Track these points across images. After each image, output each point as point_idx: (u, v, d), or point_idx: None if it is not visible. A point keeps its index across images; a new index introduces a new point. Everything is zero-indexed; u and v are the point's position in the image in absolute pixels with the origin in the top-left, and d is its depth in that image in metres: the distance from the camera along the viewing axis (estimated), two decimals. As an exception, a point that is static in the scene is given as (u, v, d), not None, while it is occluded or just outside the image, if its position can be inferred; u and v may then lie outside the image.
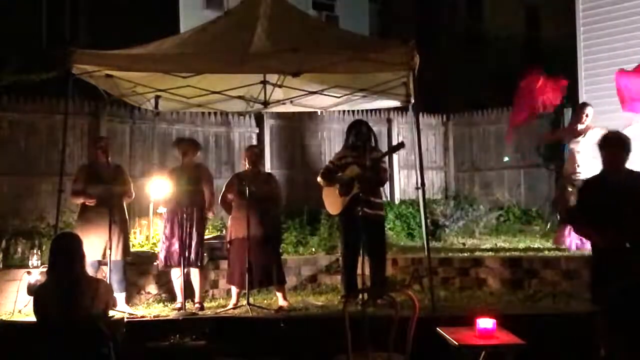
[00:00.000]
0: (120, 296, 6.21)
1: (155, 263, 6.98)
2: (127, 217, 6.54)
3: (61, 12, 14.62)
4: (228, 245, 6.49)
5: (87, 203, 6.22)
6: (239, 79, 6.81)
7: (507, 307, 5.96)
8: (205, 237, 6.80)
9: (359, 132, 6.41)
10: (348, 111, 9.54)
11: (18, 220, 7.89)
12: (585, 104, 7.57)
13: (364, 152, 6.24)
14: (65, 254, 4.12)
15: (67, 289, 4.02)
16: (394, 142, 10.82)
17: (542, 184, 10.52)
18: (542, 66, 8.44)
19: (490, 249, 7.97)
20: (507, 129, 9.34)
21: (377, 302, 5.28)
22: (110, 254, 6.05)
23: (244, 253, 6.20)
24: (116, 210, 6.19)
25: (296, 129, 10.65)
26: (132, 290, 6.76)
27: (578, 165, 7.17)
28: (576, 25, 9.68)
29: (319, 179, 6.54)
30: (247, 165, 6.60)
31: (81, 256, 4.19)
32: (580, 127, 7.30)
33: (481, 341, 3.85)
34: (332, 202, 6.43)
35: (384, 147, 10.04)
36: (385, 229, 7.22)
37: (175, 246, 6.32)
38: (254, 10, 6.48)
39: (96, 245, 6.05)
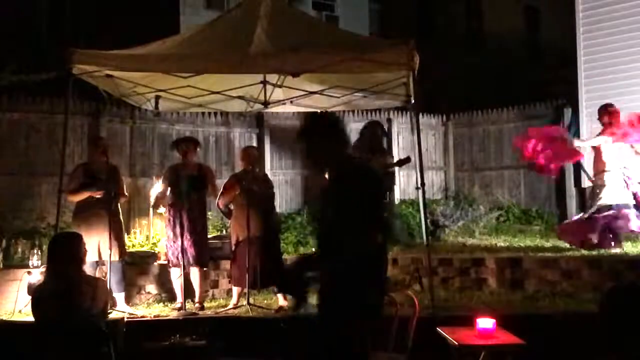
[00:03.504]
0: (119, 296, 6.21)
1: (155, 263, 6.99)
2: (122, 217, 6.53)
3: (62, 12, 14.63)
4: (234, 247, 6.48)
5: (94, 195, 6.15)
6: (239, 79, 6.81)
7: (507, 307, 5.96)
8: (205, 237, 6.82)
9: (374, 134, 6.41)
10: (348, 111, 9.53)
11: (18, 220, 7.89)
12: (610, 105, 7.40)
13: (373, 154, 6.25)
14: (65, 254, 4.12)
15: (66, 289, 4.02)
16: (394, 142, 10.88)
17: (542, 184, 10.52)
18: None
19: (490, 249, 7.97)
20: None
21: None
22: (110, 255, 6.05)
23: (250, 253, 6.21)
24: (113, 211, 6.19)
25: (296, 129, 10.62)
26: (132, 290, 6.76)
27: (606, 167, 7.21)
28: (576, 25, 9.69)
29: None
30: (246, 166, 6.58)
31: (81, 256, 4.19)
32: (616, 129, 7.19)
33: (481, 341, 3.85)
34: None
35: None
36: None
37: (179, 246, 6.31)
38: (254, 10, 6.48)
39: (93, 246, 6.03)
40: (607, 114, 7.24)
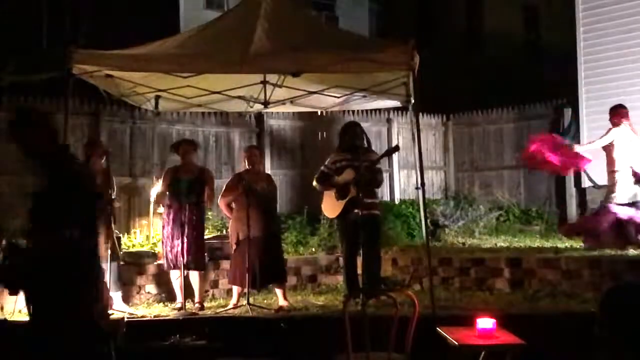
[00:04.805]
0: (116, 295, 6.21)
1: (155, 263, 6.99)
2: (114, 221, 6.52)
3: (62, 12, 14.63)
4: (235, 246, 6.47)
5: None
6: (239, 79, 6.80)
7: (507, 307, 5.96)
8: (205, 237, 6.81)
9: (354, 134, 6.43)
10: (348, 111, 9.53)
11: (18, 220, 7.87)
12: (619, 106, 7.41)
13: (358, 154, 6.26)
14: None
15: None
16: (394, 142, 10.85)
17: (541, 184, 10.52)
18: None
19: (490, 249, 7.97)
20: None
21: (375, 299, 5.28)
22: (109, 256, 6.04)
23: (250, 253, 6.21)
24: (108, 214, 6.17)
25: (296, 129, 10.65)
26: (132, 290, 6.76)
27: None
28: (576, 25, 9.69)
29: (314, 183, 6.56)
30: (248, 165, 6.60)
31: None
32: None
33: (481, 341, 3.84)
34: (330, 206, 6.44)
35: (384, 147, 10.05)
36: (382, 227, 7.22)
37: (178, 248, 6.30)
38: (254, 10, 6.47)
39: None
40: (617, 115, 7.29)
